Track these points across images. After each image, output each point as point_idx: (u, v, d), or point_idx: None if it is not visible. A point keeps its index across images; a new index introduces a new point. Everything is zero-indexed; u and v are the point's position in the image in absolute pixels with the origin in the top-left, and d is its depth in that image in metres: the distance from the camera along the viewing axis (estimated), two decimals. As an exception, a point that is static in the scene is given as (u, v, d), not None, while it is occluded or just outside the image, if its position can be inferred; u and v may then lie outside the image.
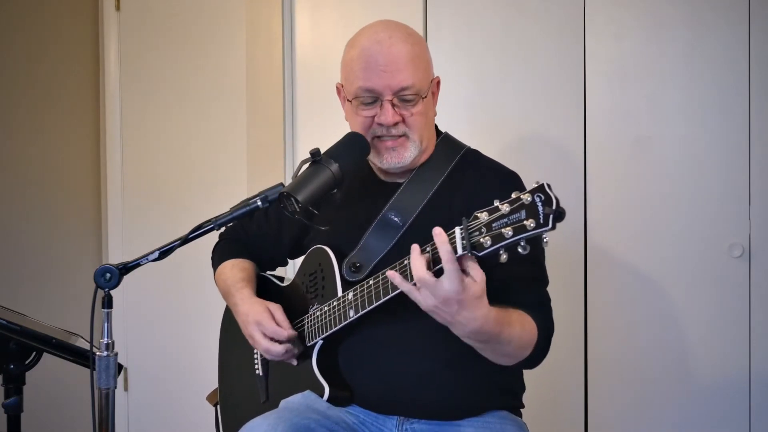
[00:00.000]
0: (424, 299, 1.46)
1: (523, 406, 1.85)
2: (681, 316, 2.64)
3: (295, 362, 1.78)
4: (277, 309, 1.78)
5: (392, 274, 1.51)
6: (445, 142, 1.84)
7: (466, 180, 1.77)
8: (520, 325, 1.59)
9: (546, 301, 1.72)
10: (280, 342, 1.75)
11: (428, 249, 1.46)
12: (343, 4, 3.02)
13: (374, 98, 1.71)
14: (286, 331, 1.74)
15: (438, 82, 1.80)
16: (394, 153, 1.74)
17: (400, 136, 1.73)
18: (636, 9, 2.67)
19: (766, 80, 2.56)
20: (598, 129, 2.70)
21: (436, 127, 1.87)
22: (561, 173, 2.70)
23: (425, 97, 1.72)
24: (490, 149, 1.90)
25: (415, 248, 1.47)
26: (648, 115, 2.66)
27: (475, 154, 1.86)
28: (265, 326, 1.75)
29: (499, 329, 1.52)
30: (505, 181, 1.77)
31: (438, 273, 1.44)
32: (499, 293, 1.67)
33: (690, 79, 2.62)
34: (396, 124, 1.72)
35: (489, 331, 1.50)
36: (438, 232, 1.43)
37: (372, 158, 1.78)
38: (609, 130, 2.69)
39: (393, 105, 1.70)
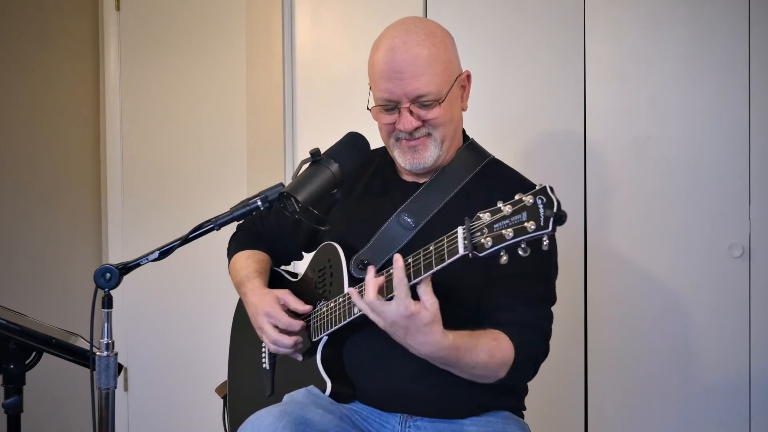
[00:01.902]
0: (375, 320, 1.53)
1: (524, 408, 1.85)
2: (681, 316, 2.64)
3: (300, 357, 1.79)
4: (287, 294, 1.78)
5: (351, 291, 1.59)
6: (469, 148, 1.84)
7: (484, 189, 1.77)
8: (488, 352, 1.61)
9: (540, 321, 1.71)
10: (290, 334, 1.75)
11: (388, 271, 1.53)
12: (343, 4, 3.02)
13: (393, 105, 1.72)
14: (299, 322, 1.74)
15: (468, 76, 1.79)
16: (416, 153, 1.75)
17: (422, 136, 1.74)
18: (636, 9, 2.67)
19: (766, 80, 2.56)
20: (598, 129, 2.70)
21: (463, 131, 1.87)
22: (561, 173, 2.70)
23: (443, 101, 1.71)
24: (489, 149, 1.90)
25: (370, 269, 1.55)
26: (648, 115, 2.66)
27: (498, 164, 1.86)
28: (278, 318, 1.75)
29: (455, 355, 1.56)
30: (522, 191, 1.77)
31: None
32: (493, 309, 1.69)
33: (690, 79, 2.62)
34: (416, 128, 1.72)
35: (443, 356, 1.55)
36: (396, 258, 1.50)
37: (396, 158, 1.79)
38: (609, 129, 2.69)
39: (411, 111, 1.71)
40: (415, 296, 1.51)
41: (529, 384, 1.86)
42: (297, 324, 1.75)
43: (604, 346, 2.70)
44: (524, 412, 1.85)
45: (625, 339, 2.68)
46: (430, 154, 1.75)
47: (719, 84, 2.59)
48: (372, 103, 1.76)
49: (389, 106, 1.72)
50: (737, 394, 2.58)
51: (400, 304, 1.48)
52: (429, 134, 1.74)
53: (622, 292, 2.68)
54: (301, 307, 1.76)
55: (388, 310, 1.50)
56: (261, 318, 1.78)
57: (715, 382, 2.61)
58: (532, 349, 1.68)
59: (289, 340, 1.74)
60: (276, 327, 1.76)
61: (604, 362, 2.70)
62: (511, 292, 1.68)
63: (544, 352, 1.72)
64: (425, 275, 1.49)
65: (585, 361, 2.71)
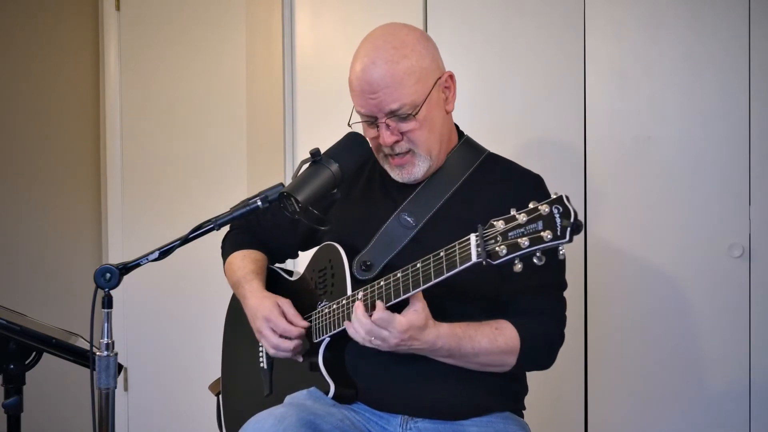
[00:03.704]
0: (384, 341, 1.57)
1: (524, 408, 1.86)
2: (681, 316, 2.64)
3: (300, 359, 1.79)
4: (287, 304, 1.78)
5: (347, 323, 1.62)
6: (465, 146, 1.84)
7: (484, 185, 1.78)
8: (489, 339, 1.65)
9: (553, 308, 1.74)
10: (289, 339, 1.75)
11: (372, 287, 1.60)
12: (343, 4, 3.02)
13: (372, 120, 1.73)
14: (296, 328, 1.74)
15: (450, 77, 1.78)
16: (404, 170, 1.76)
17: (406, 153, 1.74)
18: (636, 9, 2.67)
19: (766, 80, 2.56)
20: (598, 129, 2.70)
21: (457, 127, 1.87)
22: (561, 173, 2.70)
23: (416, 113, 1.69)
24: (489, 149, 1.89)
25: (358, 306, 1.59)
26: (648, 115, 2.66)
27: (496, 158, 1.86)
28: (276, 323, 1.75)
29: (457, 343, 1.62)
30: (525, 184, 1.78)
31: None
32: (508, 300, 1.72)
33: (690, 79, 2.62)
34: (397, 142, 1.72)
35: (444, 345, 1.61)
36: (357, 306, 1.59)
37: (387, 171, 1.80)
38: (609, 130, 2.69)
39: (389, 125, 1.71)
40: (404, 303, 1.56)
41: (529, 384, 1.87)
42: (295, 331, 1.74)
43: (604, 346, 2.70)
44: (524, 412, 1.85)
45: (625, 339, 2.68)
46: (418, 169, 1.75)
47: (719, 84, 2.59)
48: (354, 118, 1.77)
49: (369, 121, 1.74)
50: (737, 393, 2.58)
51: (395, 325, 1.54)
52: (412, 151, 1.74)
53: (622, 292, 2.68)
54: (299, 322, 1.75)
55: (387, 335, 1.55)
56: (260, 322, 1.78)
57: (715, 382, 2.61)
58: (544, 336, 1.71)
59: (289, 344, 1.74)
60: (275, 332, 1.76)
61: (604, 362, 2.70)
62: (523, 283, 1.68)
63: (559, 338, 1.74)
64: (435, 281, 1.50)
65: (585, 361, 2.71)
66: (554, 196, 1.34)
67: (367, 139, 1.77)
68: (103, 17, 3.32)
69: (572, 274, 2.67)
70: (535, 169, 1.85)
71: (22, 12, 3.22)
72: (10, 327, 1.77)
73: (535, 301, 1.71)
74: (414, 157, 1.74)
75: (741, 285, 2.58)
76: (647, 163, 2.65)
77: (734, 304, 2.58)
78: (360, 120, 1.76)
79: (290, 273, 2.00)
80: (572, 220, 1.31)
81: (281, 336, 1.75)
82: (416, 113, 1.70)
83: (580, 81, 2.71)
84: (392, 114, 1.69)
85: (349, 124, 1.77)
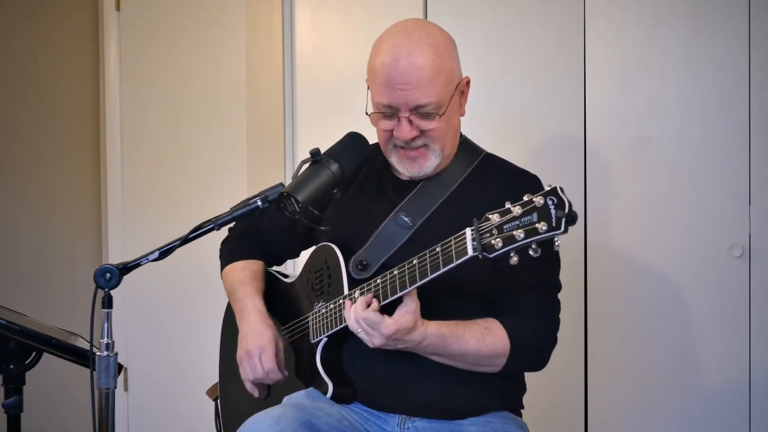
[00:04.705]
0: (370, 339, 1.58)
1: (523, 407, 1.85)
2: (681, 316, 2.64)
3: (285, 372, 1.83)
4: (269, 359, 1.81)
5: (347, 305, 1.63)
6: (463, 146, 1.84)
7: (482, 185, 1.77)
8: (477, 339, 1.64)
9: (546, 309, 1.73)
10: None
11: (369, 285, 1.60)
12: (343, 4, 3.02)
13: (392, 112, 1.71)
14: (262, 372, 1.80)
15: (467, 82, 1.78)
16: (415, 163, 1.75)
17: (420, 147, 1.73)
18: (636, 9, 2.67)
19: (766, 80, 2.56)
20: (598, 129, 2.70)
21: None
22: (561, 173, 2.70)
23: (441, 113, 1.69)
24: (489, 150, 1.89)
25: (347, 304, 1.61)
26: (648, 115, 2.66)
27: (493, 158, 1.86)
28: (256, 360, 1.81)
29: (443, 342, 1.62)
30: (522, 184, 1.77)
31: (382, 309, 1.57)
32: (500, 297, 1.71)
33: (690, 79, 2.62)
34: (414, 138, 1.71)
35: (430, 345, 1.61)
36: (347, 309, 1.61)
37: (394, 164, 1.78)
38: (609, 130, 2.69)
39: (410, 120, 1.69)
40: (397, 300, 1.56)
41: (529, 384, 1.86)
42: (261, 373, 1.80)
43: (603, 346, 2.70)
44: (523, 411, 1.85)
45: (625, 339, 2.68)
46: (431, 163, 1.74)
47: (719, 84, 2.60)
48: (371, 108, 1.74)
49: (388, 113, 1.71)
50: (737, 393, 2.58)
51: (382, 329, 1.55)
52: (426, 146, 1.73)
53: (622, 292, 2.68)
54: (270, 365, 1.80)
55: (377, 334, 1.55)
56: (244, 354, 1.83)
57: (715, 382, 2.61)
58: (535, 338, 1.70)
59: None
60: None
61: (603, 362, 2.70)
62: (517, 280, 1.68)
63: (550, 339, 1.73)
64: (432, 276, 1.49)
65: (585, 361, 2.71)
66: (548, 188, 1.34)
67: (379, 130, 1.75)
68: (103, 17, 3.32)
69: (572, 274, 2.69)
70: (535, 169, 1.84)
71: (22, 12, 3.22)
72: (10, 327, 1.77)
73: (528, 301, 1.70)
74: (428, 151, 1.73)
75: (741, 285, 2.58)
76: (647, 163, 2.65)
77: (734, 304, 2.58)
78: (377, 111, 1.73)
79: (286, 276, 2.00)
80: (567, 211, 1.30)
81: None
82: (441, 113, 1.69)
83: (580, 81, 2.71)
84: (417, 109, 1.68)
85: (367, 113, 1.74)
